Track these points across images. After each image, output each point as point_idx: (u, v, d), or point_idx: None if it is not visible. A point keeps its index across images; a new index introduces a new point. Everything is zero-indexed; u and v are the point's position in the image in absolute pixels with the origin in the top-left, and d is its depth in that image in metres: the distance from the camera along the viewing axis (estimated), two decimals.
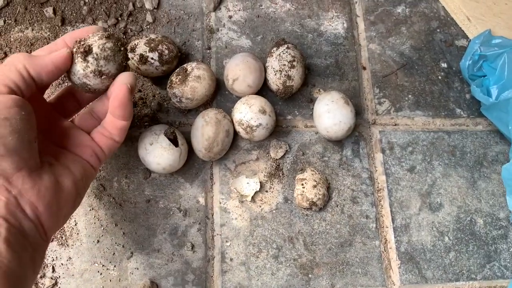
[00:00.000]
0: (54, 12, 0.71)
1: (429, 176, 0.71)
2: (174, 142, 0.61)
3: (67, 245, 0.61)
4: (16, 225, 0.42)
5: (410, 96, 0.74)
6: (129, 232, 0.62)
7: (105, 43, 0.50)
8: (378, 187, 0.69)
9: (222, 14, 0.75)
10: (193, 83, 0.64)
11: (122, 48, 0.52)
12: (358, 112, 0.72)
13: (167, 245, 0.62)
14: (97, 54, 0.50)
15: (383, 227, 0.67)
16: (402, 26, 0.78)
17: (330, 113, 0.65)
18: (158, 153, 0.60)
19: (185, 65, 0.65)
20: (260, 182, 0.66)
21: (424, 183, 0.70)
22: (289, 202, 0.66)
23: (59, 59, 0.48)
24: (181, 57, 0.70)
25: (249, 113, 0.63)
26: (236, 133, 0.66)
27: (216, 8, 0.75)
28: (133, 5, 0.73)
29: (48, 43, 0.69)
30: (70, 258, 0.60)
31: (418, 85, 0.75)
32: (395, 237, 0.67)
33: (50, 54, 0.48)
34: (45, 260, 0.60)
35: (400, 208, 0.68)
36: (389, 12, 0.79)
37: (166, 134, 0.61)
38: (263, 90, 0.69)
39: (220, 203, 0.65)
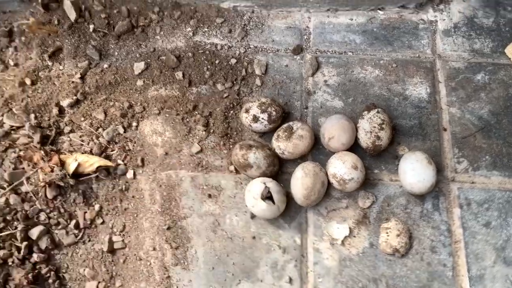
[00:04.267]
0: (183, 75, 0.88)
1: (504, 232, 0.77)
2: (271, 198, 0.73)
3: (188, 269, 0.74)
4: None
5: (487, 157, 0.82)
6: (238, 262, 0.75)
7: None
8: (455, 239, 0.76)
9: (319, 79, 0.88)
10: (296, 141, 0.76)
11: None
12: (439, 169, 0.80)
13: (268, 276, 0.74)
14: None
15: (459, 276, 0.74)
16: (481, 92, 0.87)
17: (414, 171, 0.75)
18: (260, 212, 0.73)
19: (291, 124, 0.78)
20: (349, 228, 0.76)
21: (499, 238, 0.77)
22: (374, 247, 0.75)
23: None
24: (284, 116, 0.83)
25: (343, 168, 0.74)
26: (329, 184, 0.77)
27: (314, 73, 0.88)
28: (246, 71, 0.88)
29: (177, 101, 0.85)
30: (190, 280, 0.74)
31: (495, 147, 0.82)
32: (470, 286, 0.74)
33: None
34: (171, 281, 0.73)
35: (475, 259, 0.75)
36: (469, 79, 0.88)
37: (263, 197, 0.73)
38: (354, 146, 0.80)
39: (313, 243, 0.76)
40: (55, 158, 0.78)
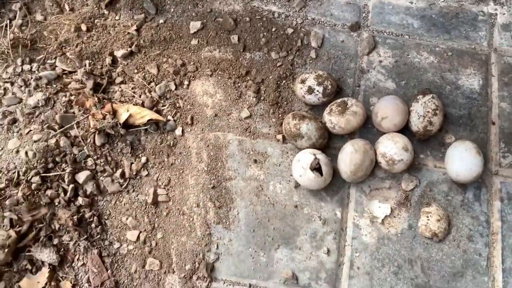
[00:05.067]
0: (238, 39, 0.87)
1: None
2: (319, 170, 0.74)
3: (230, 229, 0.76)
4: None
5: None
6: (278, 228, 0.76)
7: None
8: (493, 231, 0.77)
9: (374, 58, 0.87)
10: (349, 116, 0.77)
11: None
12: (483, 162, 0.81)
13: (307, 245, 0.75)
14: None
15: (493, 266, 0.75)
16: None
17: (462, 160, 0.75)
18: (306, 182, 0.74)
19: (345, 99, 0.78)
20: (390, 208, 0.77)
21: None
22: (412, 229, 0.77)
23: None
24: (337, 91, 0.83)
25: (394, 148, 0.75)
26: (376, 163, 0.78)
27: (370, 52, 0.87)
28: (301, 42, 0.87)
29: (230, 64, 0.86)
30: (230, 240, 0.75)
31: None
32: (503, 278, 0.75)
33: None
34: (212, 238, 0.75)
35: (511, 253, 0.76)
36: None
37: (312, 168, 0.74)
38: (402, 128, 0.81)
39: (353, 219, 0.77)
40: (108, 106, 0.79)
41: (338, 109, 0.77)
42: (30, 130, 0.78)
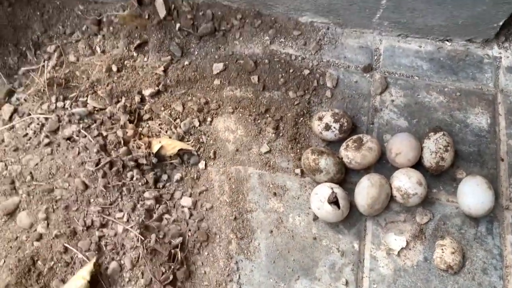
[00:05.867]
0: (258, 79, 0.93)
1: None
2: (336, 203, 0.78)
3: (251, 259, 0.79)
4: None
5: None
6: (298, 259, 0.79)
7: None
8: (506, 264, 0.80)
9: (386, 98, 0.93)
10: (365, 152, 0.81)
11: None
12: (494, 196, 0.84)
13: (326, 276, 0.78)
14: None
15: None
16: None
17: (474, 194, 0.79)
18: (324, 215, 0.77)
19: (361, 136, 0.83)
20: (406, 240, 0.80)
21: None
22: (428, 261, 0.79)
23: None
24: (352, 128, 0.87)
25: (408, 182, 0.79)
26: (391, 197, 0.82)
27: (382, 92, 0.93)
28: (317, 82, 0.93)
29: (251, 102, 0.91)
30: (252, 270, 0.78)
31: None
32: None
33: None
34: (233, 266, 0.77)
35: None
36: None
37: (329, 201, 0.77)
38: (416, 165, 0.84)
39: (370, 251, 0.80)
40: (145, 139, 0.84)
41: (354, 145, 0.82)
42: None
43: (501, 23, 0.93)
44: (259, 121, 0.90)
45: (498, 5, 0.88)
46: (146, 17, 0.97)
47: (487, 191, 0.79)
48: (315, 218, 0.82)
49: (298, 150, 0.88)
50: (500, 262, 0.80)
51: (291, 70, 0.94)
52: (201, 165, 0.86)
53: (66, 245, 0.76)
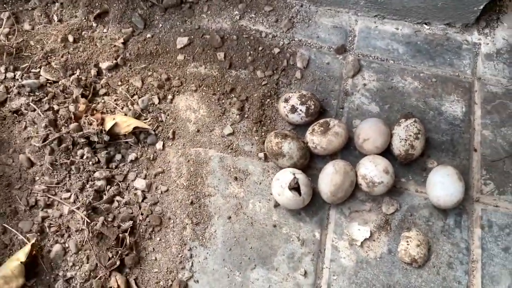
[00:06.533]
0: (225, 57, 0.88)
1: None
2: (298, 189, 0.73)
3: (206, 246, 0.74)
4: None
5: None
6: (255, 247, 0.74)
7: None
8: (473, 258, 0.76)
9: (358, 81, 0.88)
10: (331, 137, 0.76)
11: None
12: (465, 188, 0.81)
13: (284, 266, 0.74)
14: None
15: None
16: None
17: (444, 185, 0.75)
18: (285, 201, 0.73)
19: (328, 120, 0.78)
20: (370, 231, 0.76)
21: None
22: (392, 254, 0.75)
23: None
24: (321, 112, 0.83)
25: (374, 170, 0.75)
26: (357, 185, 0.77)
27: (354, 75, 0.88)
28: (287, 62, 0.88)
29: (215, 81, 0.86)
30: (206, 258, 0.73)
31: None
32: None
33: None
34: (186, 253, 0.73)
35: (490, 281, 0.75)
36: (505, 105, 0.88)
37: (290, 187, 0.73)
38: (384, 152, 0.80)
39: (332, 241, 0.76)
40: (98, 115, 0.78)
41: (320, 129, 0.77)
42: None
43: (481, 7, 0.89)
44: (223, 101, 0.85)
45: None
46: None
47: (457, 182, 0.75)
48: (276, 205, 0.77)
49: (263, 133, 0.83)
50: (466, 256, 0.76)
51: (260, 48, 0.89)
52: (159, 145, 0.81)
53: (5, 225, 0.71)
